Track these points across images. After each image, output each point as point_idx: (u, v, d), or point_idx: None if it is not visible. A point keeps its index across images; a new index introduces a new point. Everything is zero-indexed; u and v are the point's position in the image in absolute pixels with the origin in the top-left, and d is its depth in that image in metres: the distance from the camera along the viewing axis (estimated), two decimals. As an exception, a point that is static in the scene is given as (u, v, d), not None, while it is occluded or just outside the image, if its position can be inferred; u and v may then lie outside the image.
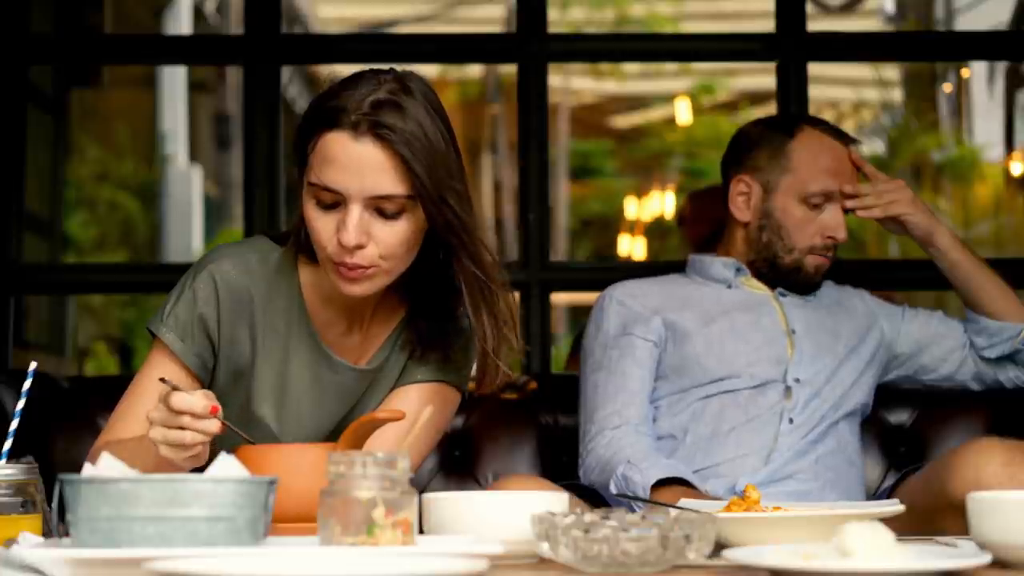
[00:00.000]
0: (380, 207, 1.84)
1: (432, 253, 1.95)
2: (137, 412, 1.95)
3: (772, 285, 2.64)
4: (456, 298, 1.96)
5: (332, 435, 2.03)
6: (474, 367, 2.07)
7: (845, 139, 2.65)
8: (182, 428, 1.69)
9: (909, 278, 3.64)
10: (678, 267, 2.77)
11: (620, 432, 2.47)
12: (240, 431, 1.80)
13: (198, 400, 1.70)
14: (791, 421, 2.51)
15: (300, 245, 2.00)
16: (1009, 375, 2.67)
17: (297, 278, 2.02)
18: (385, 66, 1.94)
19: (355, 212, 1.84)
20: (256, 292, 2.00)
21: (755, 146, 2.66)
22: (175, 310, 1.99)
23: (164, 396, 1.70)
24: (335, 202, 1.85)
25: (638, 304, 2.61)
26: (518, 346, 1.99)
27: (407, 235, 1.87)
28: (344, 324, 2.03)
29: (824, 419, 2.53)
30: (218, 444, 1.88)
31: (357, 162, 1.83)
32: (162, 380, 1.75)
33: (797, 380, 2.54)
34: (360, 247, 1.85)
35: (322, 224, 1.87)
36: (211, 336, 1.99)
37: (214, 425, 1.71)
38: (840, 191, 2.60)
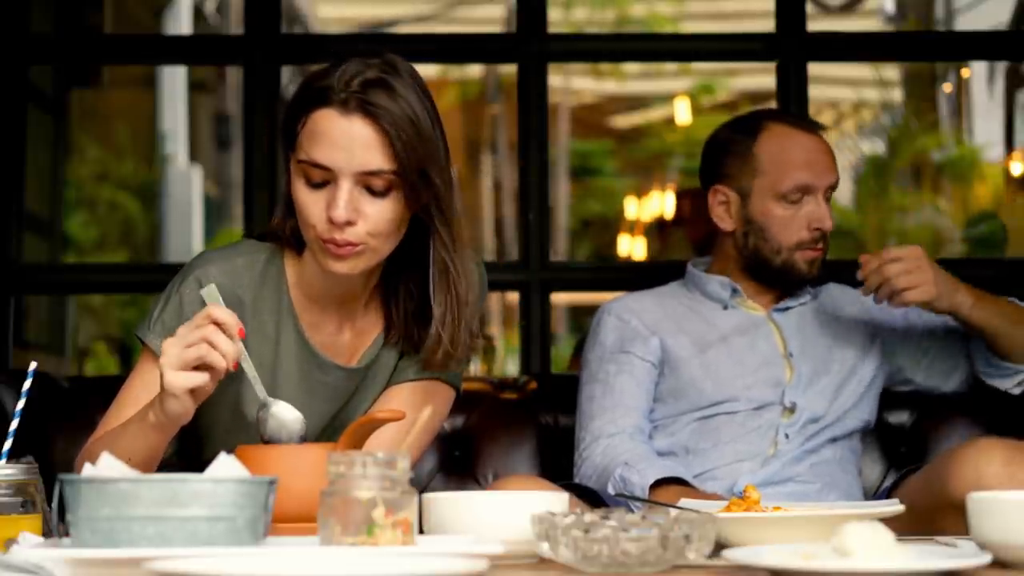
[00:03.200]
0: (369, 184, 1.86)
1: (417, 245, 1.97)
2: (125, 417, 1.95)
3: (770, 287, 2.63)
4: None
5: (322, 434, 2.03)
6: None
7: (812, 128, 2.60)
8: (203, 342, 1.72)
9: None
10: (679, 268, 2.76)
11: (616, 439, 2.47)
12: (254, 379, 1.83)
13: (233, 317, 1.73)
14: (787, 436, 2.51)
15: (285, 239, 2.01)
16: (1006, 385, 2.66)
17: (284, 279, 2.02)
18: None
19: (345, 188, 1.85)
20: (244, 295, 2.00)
21: (724, 153, 2.63)
22: (162, 316, 1.98)
23: (203, 312, 1.74)
24: (324, 180, 1.87)
25: (636, 320, 2.60)
26: (473, 343, 2.01)
27: (395, 213, 1.89)
28: (334, 323, 2.03)
29: (821, 434, 2.53)
30: (219, 445, 1.88)
31: (347, 138, 1.85)
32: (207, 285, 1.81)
33: (795, 404, 2.53)
34: (350, 223, 1.86)
35: (311, 202, 1.88)
36: None
37: (232, 349, 1.73)
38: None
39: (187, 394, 1.74)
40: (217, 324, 1.73)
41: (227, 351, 1.72)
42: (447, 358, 1.98)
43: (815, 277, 2.61)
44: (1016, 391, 2.63)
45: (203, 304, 1.97)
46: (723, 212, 2.62)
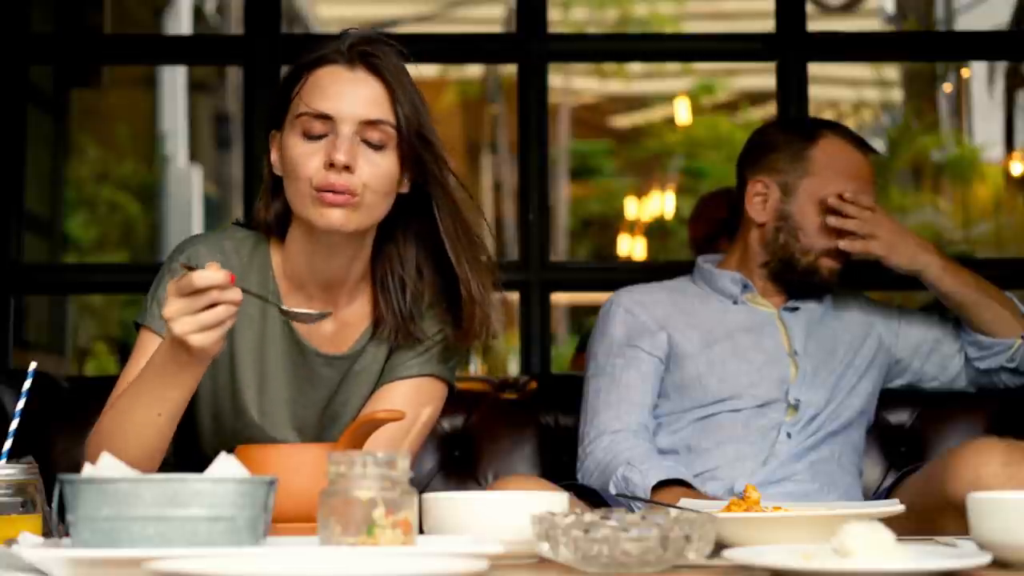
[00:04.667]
0: (367, 137, 1.91)
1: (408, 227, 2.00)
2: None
3: (786, 288, 2.63)
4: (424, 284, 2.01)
5: (315, 425, 2.04)
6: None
7: (865, 148, 2.65)
8: (211, 307, 1.69)
9: (910, 278, 3.64)
10: (678, 268, 2.76)
11: (620, 436, 2.47)
12: (260, 295, 1.84)
13: (218, 273, 1.70)
14: (789, 436, 2.51)
15: (268, 226, 2.02)
16: (1003, 379, 2.67)
17: (270, 265, 2.03)
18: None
19: (346, 132, 1.90)
20: None
21: (775, 149, 2.65)
22: (158, 298, 1.98)
23: (180, 282, 1.69)
24: (323, 133, 1.91)
25: (645, 315, 2.60)
26: (500, 296, 2.05)
27: (391, 169, 1.93)
28: (317, 311, 2.03)
29: (821, 429, 2.54)
30: (220, 443, 1.88)
31: (351, 87, 1.92)
32: (184, 266, 1.73)
33: (799, 400, 2.54)
34: (348, 169, 1.89)
35: (308, 153, 1.91)
36: None
37: (238, 293, 1.72)
38: (838, 199, 2.59)
39: (217, 343, 1.73)
40: (210, 288, 1.70)
41: (235, 299, 1.71)
42: (485, 320, 2.00)
43: (831, 286, 2.65)
44: (1010, 366, 2.65)
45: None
46: (759, 203, 2.64)
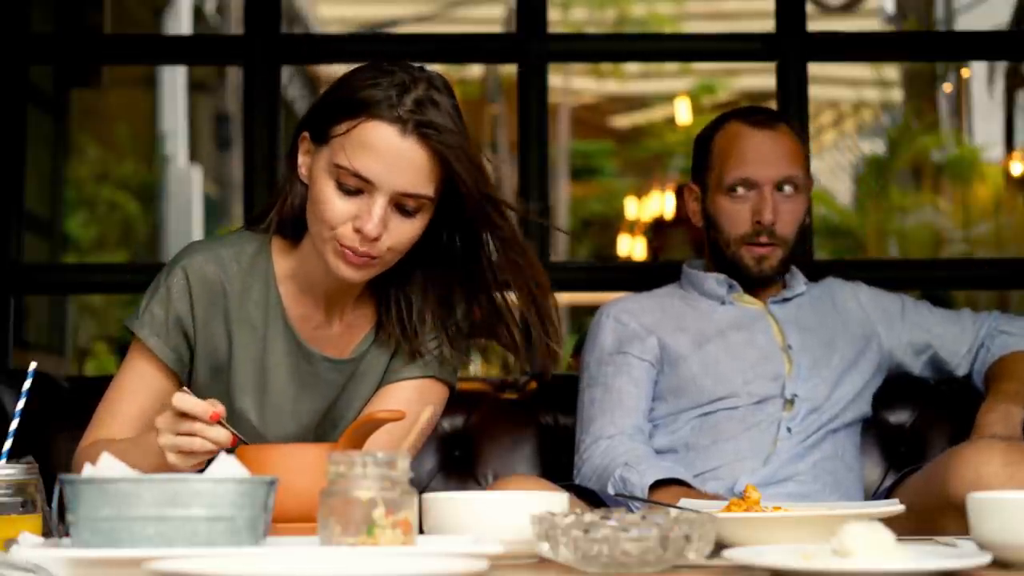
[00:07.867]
0: (402, 204, 1.88)
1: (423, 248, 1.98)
2: (120, 411, 1.97)
3: (750, 288, 2.63)
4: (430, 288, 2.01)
5: (316, 429, 2.04)
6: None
7: (766, 123, 2.60)
8: (192, 435, 1.71)
9: (909, 278, 3.64)
10: (678, 269, 2.77)
11: (616, 440, 2.47)
12: (240, 435, 1.81)
13: (198, 404, 1.72)
14: (789, 431, 2.51)
15: (280, 227, 2.00)
16: None
17: (273, 271, 2.02)
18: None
19: (380, 203, 1.86)
20: (229, 286, 2.01)
21: (695, 152, 2.69)
22: (150, 308, 2.00)
23: (174, 399, 1.72)
24: (358, 189, 1.87)
25: (634, 322, 2.61)
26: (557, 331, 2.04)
27: (417, 231, 1.91)
28: (322, 316, 2.04)
29: (822, 428, 2.53)
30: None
31: (397, 157, 1.86)
32: (181, 389, 1.76)
33: (795, 395, 2.54)
34: (377, 239, 1.87)
35: (340, 207, 1.88)
36: (186, 332, 2.01)
37: (223, 435, 1.72)
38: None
39: (194, 466, 1.76)
40: (195, 418, 1.72)
41: (218, 440, 1.73)
42: (553, 349, 2.02)
43: (768, 276, 2.61)
44: None
45: (189, 294, 1.98)
46: (694, 208, 2.68)
